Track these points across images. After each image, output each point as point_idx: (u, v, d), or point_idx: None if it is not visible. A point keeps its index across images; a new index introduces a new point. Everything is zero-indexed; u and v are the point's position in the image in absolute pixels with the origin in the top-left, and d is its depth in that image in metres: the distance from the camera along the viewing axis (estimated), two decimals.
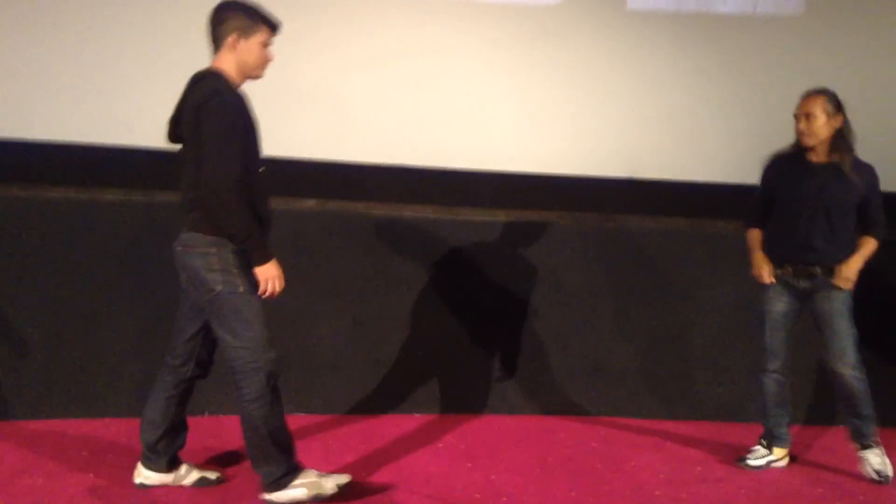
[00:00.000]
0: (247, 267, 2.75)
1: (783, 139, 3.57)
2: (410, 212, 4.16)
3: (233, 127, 2.67)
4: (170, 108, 2.88)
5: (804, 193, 3.39)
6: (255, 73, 2.83)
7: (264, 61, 2.83)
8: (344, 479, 2.95)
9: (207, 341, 2.96)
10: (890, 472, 3.42)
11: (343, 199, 4.25)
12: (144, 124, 3.92)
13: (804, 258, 3.41)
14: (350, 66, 4.36)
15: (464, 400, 4.06)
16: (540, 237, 4.19)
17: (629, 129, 4.63)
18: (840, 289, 3.38)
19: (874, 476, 3.42)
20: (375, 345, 4.01)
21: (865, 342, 3.50)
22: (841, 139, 3.38)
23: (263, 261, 2.73)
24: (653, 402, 4.16)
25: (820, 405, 4.18)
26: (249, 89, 4.16)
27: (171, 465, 3.03)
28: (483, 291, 4.10)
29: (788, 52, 4.69)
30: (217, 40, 2.78)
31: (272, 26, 2.82)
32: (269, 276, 2.74)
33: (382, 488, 3.13)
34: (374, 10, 4.41)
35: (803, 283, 3.43)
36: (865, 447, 3.46)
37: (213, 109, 2.65)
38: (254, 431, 2.81)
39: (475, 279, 4.12)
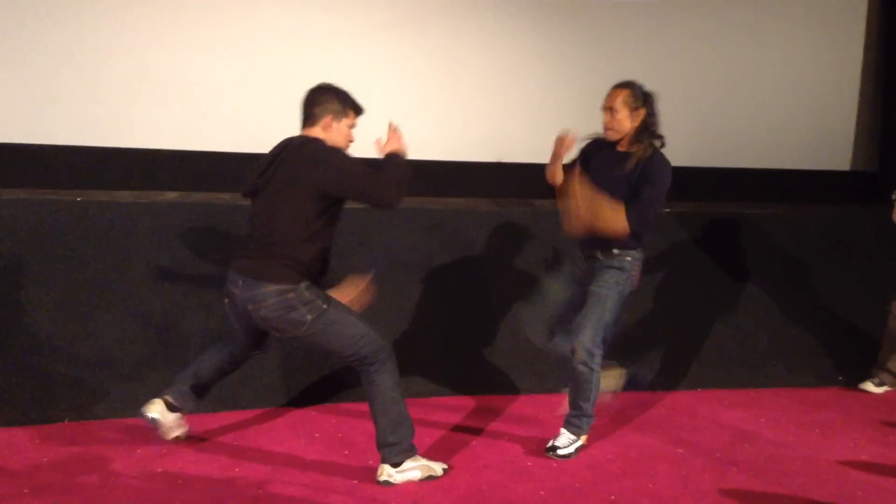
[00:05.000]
0: (318, 291, 3.04)
1: None
2: None
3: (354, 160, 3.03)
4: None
5: (600, 178, 3.39)
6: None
7: (349, 141, 3.15)
8: (443, 465, 3.22)
9: (266, 338, 3.28)
10: (567, 452, 3.40)
11: (207, 190, 4.17)
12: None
13: (588, 240, 3.43)
14: (213, 55, 4.26)
15: (339, 389, 4.06)
16: (391, 221, 4.22)
17: (494, 115, 4.74)
18: (613, 271, 3.40)
19: (553, 453, 3.40)
20: None
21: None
22: (644, 131, 3.38)
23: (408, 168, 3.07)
24: (525, 376, 4.30)
25: (676, 371, 4.43)
26: (105, 77, 4.09)
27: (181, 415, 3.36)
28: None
29: (644, 34, 4.93)
30: (313, 117, 3.10)
31: (358, 112, 3.16)
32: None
33: (258, 481, 3.09)
34: None
35: (582, 265, 3.50)
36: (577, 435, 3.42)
37: (342, 159, 3.00)
38: (387, 399, 3.06)
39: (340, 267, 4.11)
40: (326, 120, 3.07)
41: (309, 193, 2.95)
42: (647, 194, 3.30)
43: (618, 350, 4.36)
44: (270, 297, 2.96)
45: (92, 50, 4.11)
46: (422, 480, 3.12)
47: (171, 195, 4.08)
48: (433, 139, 4.62)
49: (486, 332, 4.26)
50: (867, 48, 5.31)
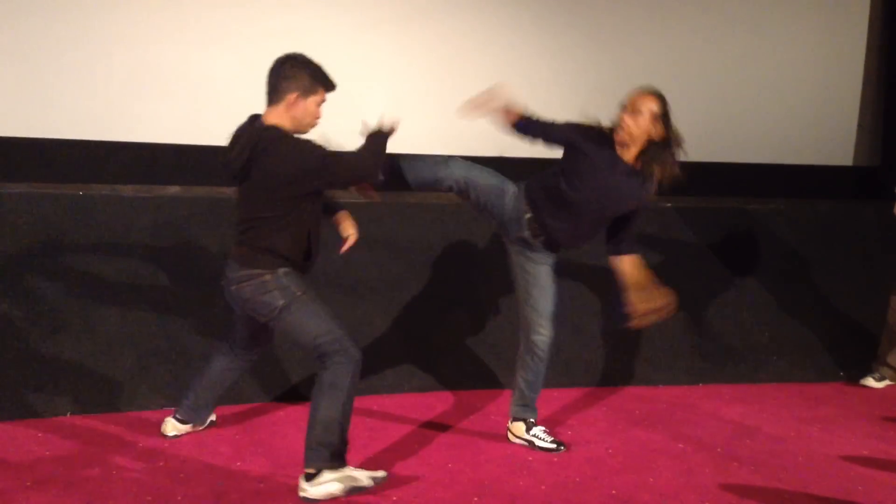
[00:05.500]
0: (297, 279, 2.97)
1: None
2: None
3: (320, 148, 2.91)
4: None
5: (597, 182, 3.22)
6: (305, 129, 2.96)
7: (316, 119, 2.97)
8: (380, 474, 3.00)
9: (265, 333, 3.24)
10: (549, 440, 3.44)
11: (209, 184, 4.17)
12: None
13: (549, 230, 3.31)
14: (215, 49, 4.26)
15: None
16: (392, 215, 4.22)
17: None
18: (549, 259, 3.37)
19: (554, 446, 3.41)
20: None
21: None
22: (655, 147, 3.20)
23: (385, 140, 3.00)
24: None
25: (677, 366, 4.43)
26: (107, 71, 4.09)
27: (205, 420, 3.45)
28: (348, 273, 4.11)
29: (647, 29, 4.91)
30: (277, 93, 2.90)
31: (329, 88, 2.96)
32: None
33: (260, 475, 3.10)
34: None
35: (525, 233, 3.34)
36: (531, 425, 3.46)
37: (323, 160, 2.88)
38: (327, 400, 2.88)
39: (341, 260, 4.11)
40: (291, 97, 2.88)
41: (290, 193, 2.89)
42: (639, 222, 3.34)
43: (620, 344, 4.39)
44: (250, 280, 2.95)
45: (94, 44, 4.11)
46: (347, 493, 2.89)
47: (173, 189, 4.08)
48: (435, 133, 4.61)
49: (488, 326, 4.26)
50: (870, 43, 5.30)
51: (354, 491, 2.92)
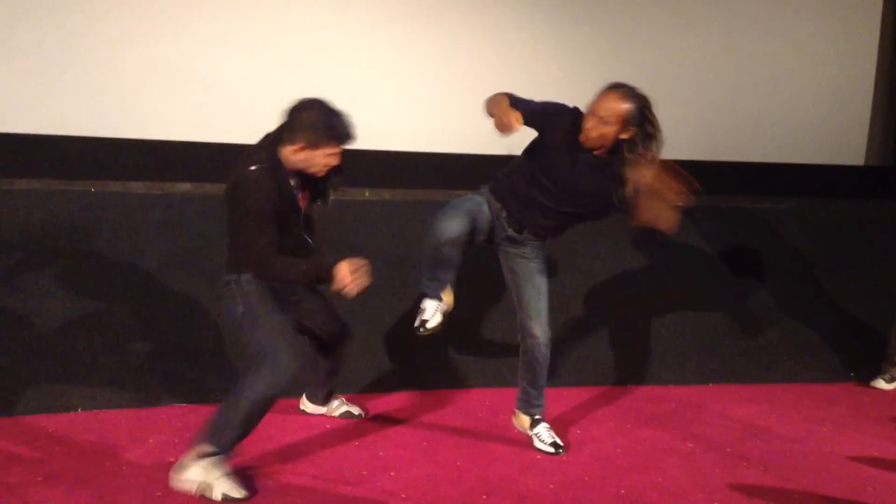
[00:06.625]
0: (257, 288, 2.94)
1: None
2: None
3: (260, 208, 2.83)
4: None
5: (553, 178, 3.11)
6: (312, 173, 2.94)
7: (324, 167, 2.92)
8: (238, 494, 2.88)
9: (331, 314, 3.33)
10: (560, 441, 3.42)
11: (220, 181, 4.17)
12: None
13: (519, 218, 3.22)
14: (226, 46, 4.27)
15: (349, 380, 4.07)
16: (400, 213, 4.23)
17: None
18: (543, 261, 3.30)
19: (552, 449, 3.38)
20: None
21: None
22: (627, 146, 2.98)
23: (329, 276, 2.77)
24: None
25: (686, 365, 4.42)
26: (118, 68, 4.10)
27: (326, 401, 3.64)
28: None
29: (658, 27, 4.90)
30: (285, 133, 2.87)
31: (340, 140, 2.89)
32: (342, 277, 2.75)
33: (268, 472, 3.11)
34: None
35: (509, 231, 3.26)
36: (536, 422, 3.44)
37: (246, 205, 2.84)
38: (239, 400, 2.87)
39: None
40: (298, 146, 2.86)
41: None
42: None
43: (630, 344, 4.39)
44: (222, 286, 3.04)
45: (105, 40, 4.12)
46: (197, 490, 2.86)
47: (184, 186, 4.10)
48: (444, 132, 4.62)
49: (497, 325, 4.26)
50: (882, 42, 5.27)
51: (202, 493, 2.85)
